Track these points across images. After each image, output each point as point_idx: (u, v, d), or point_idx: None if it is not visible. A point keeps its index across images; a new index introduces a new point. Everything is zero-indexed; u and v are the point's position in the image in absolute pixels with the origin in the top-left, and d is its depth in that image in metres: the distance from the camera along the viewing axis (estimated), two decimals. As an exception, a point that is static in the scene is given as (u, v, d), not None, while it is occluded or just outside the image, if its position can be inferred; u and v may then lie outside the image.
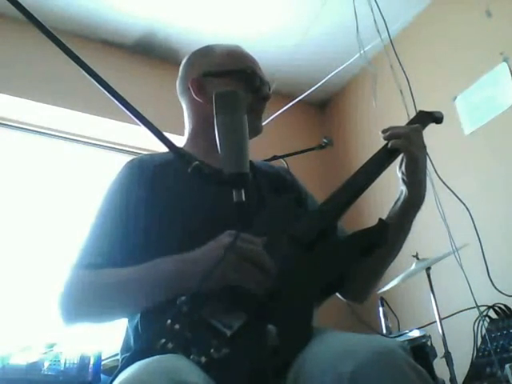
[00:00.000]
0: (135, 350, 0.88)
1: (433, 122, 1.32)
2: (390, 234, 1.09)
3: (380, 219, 1.07)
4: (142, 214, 1.08)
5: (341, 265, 1.01)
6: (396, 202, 1.18)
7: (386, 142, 1.19)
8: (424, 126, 1.29)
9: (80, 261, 1.04)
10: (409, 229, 1.19)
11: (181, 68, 1.31)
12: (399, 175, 1.18)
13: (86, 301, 0.99)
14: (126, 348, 1.04)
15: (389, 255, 1.19)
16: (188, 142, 1.28)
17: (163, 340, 0.83)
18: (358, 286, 1.20)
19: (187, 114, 1.29)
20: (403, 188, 1.17)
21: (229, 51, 1.27)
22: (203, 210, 1.09)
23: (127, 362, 0.82)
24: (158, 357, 0.79)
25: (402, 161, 1.17)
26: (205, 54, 1.28)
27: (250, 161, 1.31)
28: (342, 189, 1.14)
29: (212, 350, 0.81)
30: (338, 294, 1.20)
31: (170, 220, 1.08)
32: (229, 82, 1.20)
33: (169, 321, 0.85)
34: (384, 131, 1.18)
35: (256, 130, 1.25)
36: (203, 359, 0.80)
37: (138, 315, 0.97)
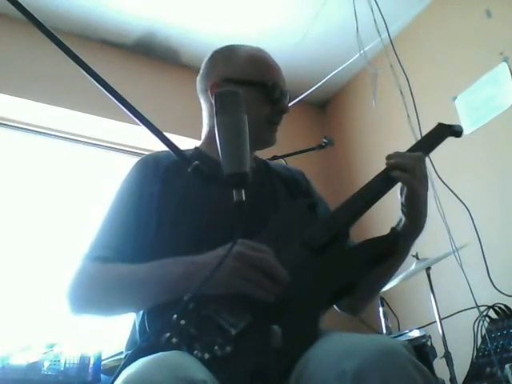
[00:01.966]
0: (139, 346, 0.88)
1: (451, 135, 1.30)
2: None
3: (392, 228, 1.06)
4: (154, 209, 1.09)
5: (351, 271, 1.00)
6: (394, 229, 1.15)
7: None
8: (442, 139, 1.27)
9: (90, 253, 1.05)
10: (406, 254, 1.17)
11: (203, 66, 1.30)
12: (399, 202, 1.14)
13: (92, 292, 1.01)
14: (131, 343, 1.05)
15: (386, 275, 1.19)
16: (205, 140, 1.28)
17: (168, 334, 0.84)
18: (354, 300, 1.18)
19: (205, 113, 1.29)
20: (402, 217, 1.14)
21: (252, 58, 1.24)
22: (214, 209, 1.08)
23: (130, 359, 0.82)
24: (161, 353, 0.79)
25: (402, 189, 1.14)
26: (228, 56, 1.26)
27: (267, 162, 1.31)
28: (355, 196, 1.13)
29: (216, 348, 0.81)
30: (334, 306, 1.20)
31: (180, 217, 1.08)
32: (247, 91, 1.16)
33: (175, 316, 0.85)
34: (388, 157, 1.13)
35: (269, 142, 1.24)
36: (206, 356, 0.81)
37: (144, 311, 0.98)
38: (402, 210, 1.13)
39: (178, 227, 1.07)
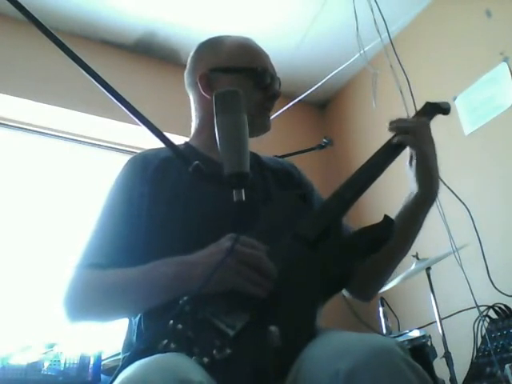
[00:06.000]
0: (137, 349, 0.88)
1: (440, 113, 1.30)
2: (398, 230, 1.06)
3: (385, 215, 1.06)
4: (144, 210, 1.08)
5: (346, 263, 0.99)
6: (408, 198, 1.15)
7: (391, 135, 1.15)
8: (431, 117, 1.26)
9: (83, 260, 1.04)
10: (421, 225, 1.16)
11: (189, 59, 1.29)
12: (409, 172, 1.14)
13: (88, 300, 1.00)
14: (127, 346, 1.05)
15: (399, 252, 1.17)
16: (194, 135, 1.27)
17: (165, 340, 0.83)
18: (365, 283, 1.18)
19: (194, 107, 1.28)
20: (414, 184, 1.13)
21: (239, 45, 1.23)
22: (205, 206, 1.08)
23: (128, 361, 0.82)
24: (159, 355, 0.78)
25: (410, 157, 1.14)
26: (214, 47, 1.26)
27: (258, 156, 1.30)
28: (346, 185, 1.12)
29: (214, 351, 0.81)
30: (344, 291, 1.19)
31: (172, 216, 1.07)
32: (237, 78, 1.17)
33: (171, 321, 0.84)
34: (391, 123, 1.14)
35: (264, 128, 1.23)
36: (205, 360, 0.80)
37: (141, 314, 0.98)
38: (415, 177, 1.13)
39: (169, 227, 1.06)
